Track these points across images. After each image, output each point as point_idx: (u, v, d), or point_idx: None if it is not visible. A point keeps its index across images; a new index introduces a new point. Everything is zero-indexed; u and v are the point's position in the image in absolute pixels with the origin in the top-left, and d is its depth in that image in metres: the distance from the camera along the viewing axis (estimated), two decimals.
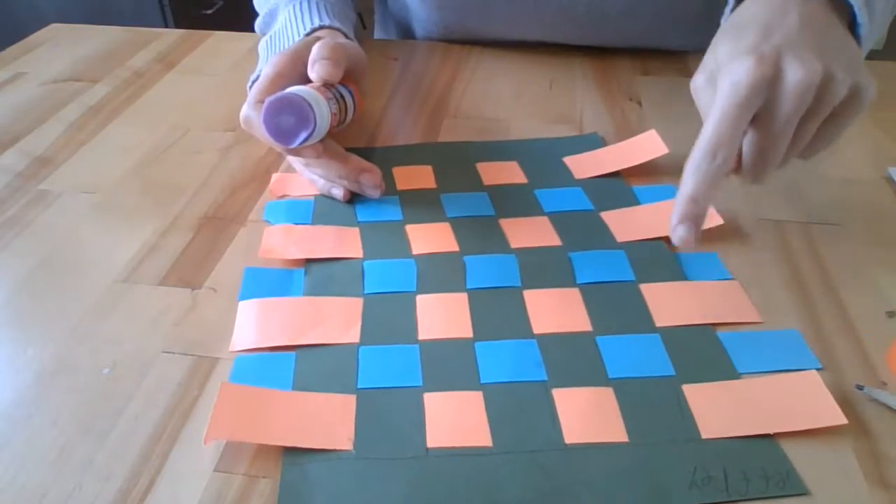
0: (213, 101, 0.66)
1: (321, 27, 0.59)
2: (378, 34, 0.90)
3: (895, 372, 0.38)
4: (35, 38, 0.81)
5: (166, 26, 1.79)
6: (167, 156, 0.58)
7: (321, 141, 0.48)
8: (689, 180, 0.39)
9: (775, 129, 0.39)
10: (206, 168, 0.56)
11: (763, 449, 0.33)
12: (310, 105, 0.43)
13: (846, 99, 0.40)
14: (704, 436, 0.34)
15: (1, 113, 0.65)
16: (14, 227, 0.50)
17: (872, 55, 0.59)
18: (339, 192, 0.51)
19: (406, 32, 0.83)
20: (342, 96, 0.49)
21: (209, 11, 1.88)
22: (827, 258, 0.46)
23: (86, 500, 0.32)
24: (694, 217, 0.38)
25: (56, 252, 0.47)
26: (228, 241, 0.48)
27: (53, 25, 0.84)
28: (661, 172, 0.53)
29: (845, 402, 0.36)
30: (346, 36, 0.60)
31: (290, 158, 0.54)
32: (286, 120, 0.43)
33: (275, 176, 0.54)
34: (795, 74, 0.38)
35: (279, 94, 0.43)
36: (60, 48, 0.78)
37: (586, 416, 0.35)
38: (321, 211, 0.50)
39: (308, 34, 0.59)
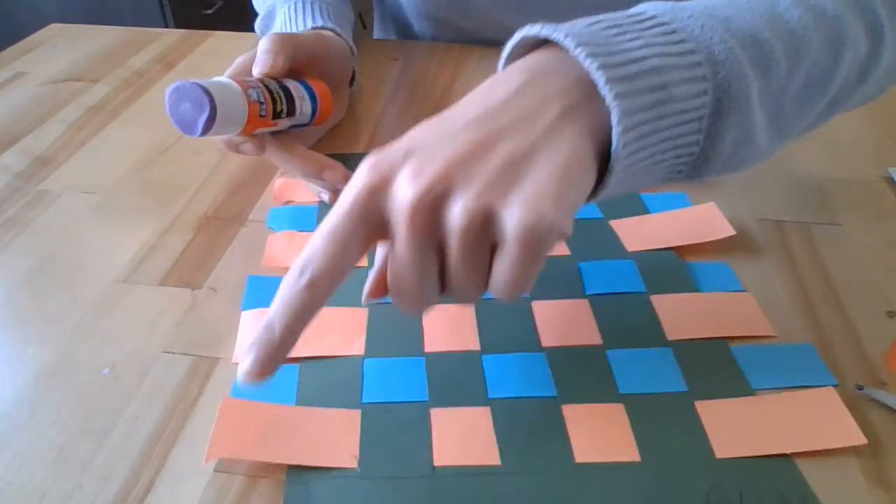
0: None
1: (313, 28, 0.59)
2: (377, 33, 0.90)
3: (895, 372, 0.38)
4: (35, 38, 0.81)
5: (166, 26, 1.79)
6: (167, 156, 0.58)
7: (276, 137, 0.48)
8: (274, 300, 0.30)
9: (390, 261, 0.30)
10: (206, 168, 0.56)
11: (780, 470, 0.33)
12: (205, 90, 0.42)
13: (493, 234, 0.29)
14: (719, 455, 0.33)
15: (1, 113, 0.65)
16: (14, 227, 0.50)
17: None
18: (325, 196, 0.50)
19: (403, 30, 0.83)
20: (282, 89, 0.47)
21: (209, 11, 1.88)
22: (827, 258, 0.46)
23: (86, 500, 0.32)
24: (265, 344, 0.30)
25: (56, 252, 0.47)
26: (228, 241, 0.48)
27: (53, 25, 0.84)
28: None
29: (845, 403, 0.36)
30: (340, 37, 0.60)
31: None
32: (185, 108, 0.42)
33: (278, 181, 0.53)
34: (402, 187, 0.28)
35: (177, 83, 0.42)
36: (60, 48, 0.78)
37: (597, 434, 0.34)
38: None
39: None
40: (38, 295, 0.44)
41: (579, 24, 0.32)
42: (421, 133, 0.30)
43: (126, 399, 0.37)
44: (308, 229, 0.48)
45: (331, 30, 0.60)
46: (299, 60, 0.51)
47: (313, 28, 0.59)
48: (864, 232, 0.48)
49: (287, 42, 0.49)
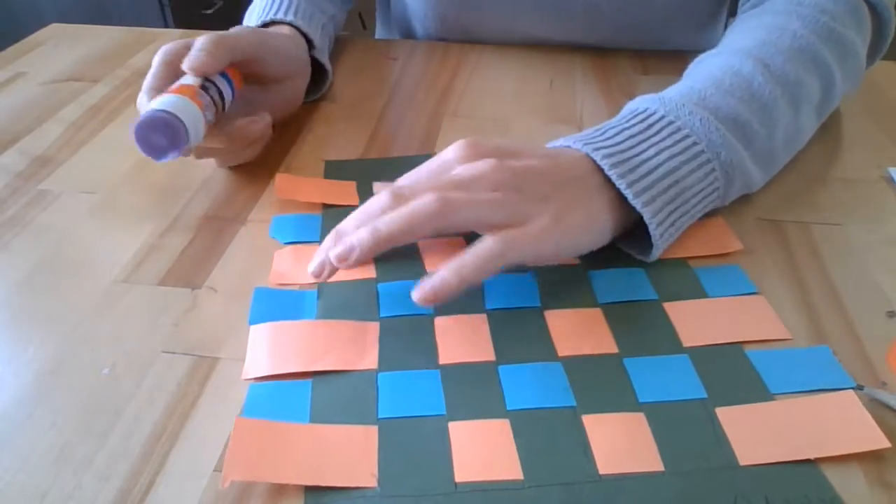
0: None
1: (272, 22, 0.61)
2: (380, 33, 0.90)
3: (895, 372, 0.38)
4: (35, 38, 0.81)
5: (166, 26, 1.79)
6: None
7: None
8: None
9: None
10: (206, 168, 0.56)
11: (805, 475, 0.32)
12: (184, 126, 0.43)
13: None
14: (742, 462, 0.33)
15: (1, 113, 0.65)
16: (14, 227, 0.50)
17: None
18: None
19: (407, 31, 0.83)
20: (219, 92, 0.49)
21: (209, 11, 1.88)
22: (827, 258, 0.46)
23: (86, 500, 0.32)
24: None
25: (56, 252, 0.47)
26: (228, 241, 0.48)
27: (53, 25, 0.84)
28: None
29: None
30: (301, 31, 0.61)
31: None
32: (158, 139, 0.43)
33: (278, 176, 0.53)
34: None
35: (154, 112, 0.43)
36: (60, 48, 0.78)
37: (619, 444, 0.34)
38: (330, 227, 0.47)
39: (259, 27, 0.60)
40: (38, 295, 0.44)
41: (604, 137, 0.44)
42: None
43: (126, 399, 0.37)
44: (313, 239, 0.47)
45: (289, 23, 0.60)
46: (234, 62, 0.52)
47: (272, 21, 0.60)
48: (864, 232, 0.48)
49: (223, 45, 0.50)
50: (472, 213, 0.39)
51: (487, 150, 0.42)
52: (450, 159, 0.42)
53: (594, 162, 0.42)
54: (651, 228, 0.42)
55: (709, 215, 0.48)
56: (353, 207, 0.50)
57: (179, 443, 0.35)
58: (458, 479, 0.33)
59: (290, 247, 0.47)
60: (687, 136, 0.44)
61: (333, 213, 0.50)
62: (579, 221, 0.41)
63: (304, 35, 0.61)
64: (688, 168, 0.43)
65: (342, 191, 0.52)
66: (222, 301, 0.43)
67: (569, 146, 0.44)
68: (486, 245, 0.38)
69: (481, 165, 0.40)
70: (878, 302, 0.42)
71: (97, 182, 0.54)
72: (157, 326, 0.41)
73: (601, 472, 0.33)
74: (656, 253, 0.43)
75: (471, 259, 0.38)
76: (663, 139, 0.43)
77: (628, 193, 0.41)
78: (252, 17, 0.64)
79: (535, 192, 0.40)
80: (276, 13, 0.61)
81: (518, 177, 0.40)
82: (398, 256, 0.46)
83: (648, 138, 0.43)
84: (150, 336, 0.41)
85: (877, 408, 0.36)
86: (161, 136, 0.43)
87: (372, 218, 0.40)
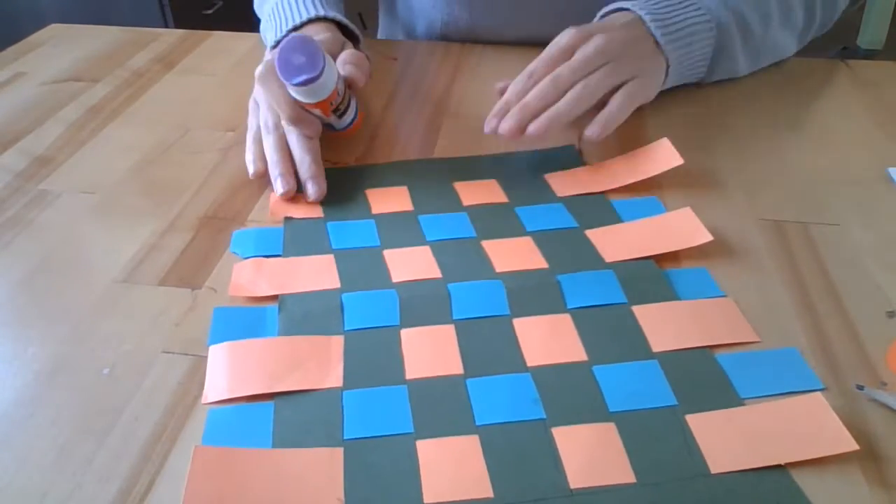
0: (213, 101, 0.66)
1: (317, 17, 0.61)
2: (382, 34, 0.90)
3: (895, 372, 0.38)
4: (35, 38, 0.81)
5: (166, 26, 1.79)
6: (167, 156, 0.58)
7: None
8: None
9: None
10: (206, 168, 0.56)
11: (775, 481, 0.32)
12: (322, 55, 0.49)
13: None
14: (714, 470, 0.33)
15: (1, 113, 0.65)
16: (14, 227, 0.50)
17: (873, 55, 0.59)
18: (280, 188, 0.51)
19: (410, 29, 0.83)
20: (350, 97, 0.54)
21: (209, 11, 1.88)
22: (827, 258, 0.46)
23: (86, 500, 0.32)
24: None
25: (56, 252, 0.47)
26: (228, 241, 0.48)
27: (53, 25, 0.84)
28: (639, 186, 0.52)
29: (845, 403, 0.36)
30: (341, 24, 0.62)
31: (263, 127, 0.54)
32: (297, 58, 0.48)
33: (272, 196, 0.51)
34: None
35: (300, 35, 0.49)
36: (60, 48, 0.78)
37: (590, 456, 0.34)
38: (292, 239, 0.47)
39: (304, 23, 0.60)
40: (38, 295, 0.44)
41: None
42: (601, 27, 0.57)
43: (126, 399, 0.37)
44: (274, 253, 0.46)
45: (332, 19, 0.61)
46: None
47: (317, 17, 0.60)
48: (863, 232, 0.48)
49: (368, 66, 0.55)
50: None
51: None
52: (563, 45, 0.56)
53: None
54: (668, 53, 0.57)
55: (679, 206, 0.48)
56: (319, 220, 0.49)
57: (179, 443, 0.35)
58: (426, 500, 0.32)
59: (250, 259, 0.46)
60: (704, 14, 0.58)
61: (294, 226, 0.49)
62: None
63: (346, 29, 0.63)
64: (700, 36, 0.58)
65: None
66: (222, 301, 0.43)
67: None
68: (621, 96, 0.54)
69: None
70: (878, 302, 0.42)
71: (97, 182, 0.55)
72: (157, 326, 0.41)
73: (572, 486, 0.32)
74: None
75: (616, 111, 0.53)
76: (689, 11, 0.58)
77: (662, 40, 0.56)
78: (281, 9, 0.63)
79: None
80: (316, 9, 0.62)
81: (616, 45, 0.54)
82: (363, 266, 0.45)
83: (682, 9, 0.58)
84: (150, 336, 0.41)
85: (876, 408, 0.36)
86: (300, 55, 0.48)
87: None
